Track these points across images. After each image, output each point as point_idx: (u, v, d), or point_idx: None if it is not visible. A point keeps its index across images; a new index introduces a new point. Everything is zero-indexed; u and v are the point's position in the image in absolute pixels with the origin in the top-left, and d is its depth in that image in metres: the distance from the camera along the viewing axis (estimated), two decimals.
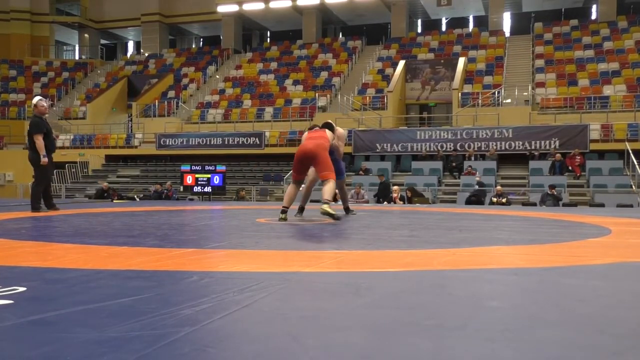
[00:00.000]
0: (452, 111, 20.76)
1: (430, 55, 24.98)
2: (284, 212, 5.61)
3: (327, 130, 6.27)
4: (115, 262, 2.71)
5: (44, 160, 6.93)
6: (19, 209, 7.79)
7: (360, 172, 17.19)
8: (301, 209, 6.48)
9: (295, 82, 25.44)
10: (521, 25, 29.84)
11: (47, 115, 7.37)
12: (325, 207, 5.51)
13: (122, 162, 23.17)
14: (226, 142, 20.91)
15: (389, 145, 18.28)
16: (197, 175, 16.17)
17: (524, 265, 2.76)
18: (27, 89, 29.44)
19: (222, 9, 29.92)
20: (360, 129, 19.22)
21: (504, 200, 13.19)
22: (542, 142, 16.81)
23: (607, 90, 20.16)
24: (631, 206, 12.54)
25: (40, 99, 7.19)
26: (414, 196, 13.43)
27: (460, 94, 20.68)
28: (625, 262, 2.85)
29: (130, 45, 38.65)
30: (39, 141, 6.90)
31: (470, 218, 6.47)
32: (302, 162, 5.90)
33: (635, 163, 14.52)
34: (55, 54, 35.19)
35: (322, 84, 24.70)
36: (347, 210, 6.98)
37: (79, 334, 1.38)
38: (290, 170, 20.50)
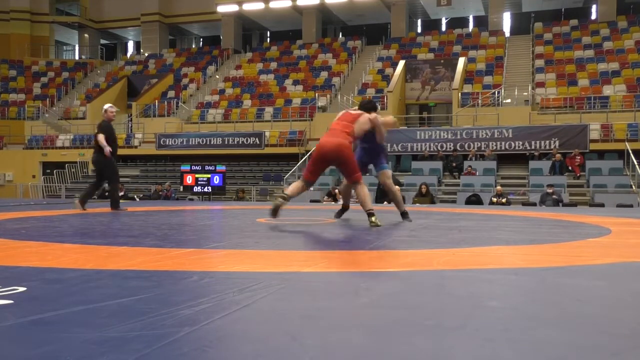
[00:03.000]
0: (452, 111, 20.76)
1: (430, 55, 24.98)
2: (284, 198, 4.95)
3: (363, 114, 5.25)
4: (115, 262, 2.71)
5: (107, 149, 7.23)
6: (19, 209, 7.79)
7: None
8: (344, 209, 5.81)
9: (295, 82, 25.44)
10: (521, 25, 29.85)
11: (113, 121, 7.74)
12: (374, 219, 4.79)
13: (122, 162, 23.16)
14: (226, 142, 20.91)
15: (388, 145, 18.25)
16: (197, 175, 16.16)
17: (524, 265, 2.76)
18: (27, 89, 29.43)
19: (222, 9, 29.93)
20: None
21: (503, 200, 13.19)
22: (542, 142, 16.80)
23: (607, 90, 20.16)
24: (631, 206, 12.53)
25: (111, 106, 7.67)
26: (427, 194, 13.45)
27: (460, 94, 20.68)
28: (625, 262, 2.85)
29: (130, 45, 38.64)
30: (100, 137, 7.24)
31: (470, 218, 6.47)
32: (321, 162, 5.10)
33: (635, 163, 14.51)
34: (55, 54, 35.19)
35: (322, 84, 24.70)
36: (404, 215, 5.57)
37: (79, 334, 1.37)
38: (291, 170, 20.15)
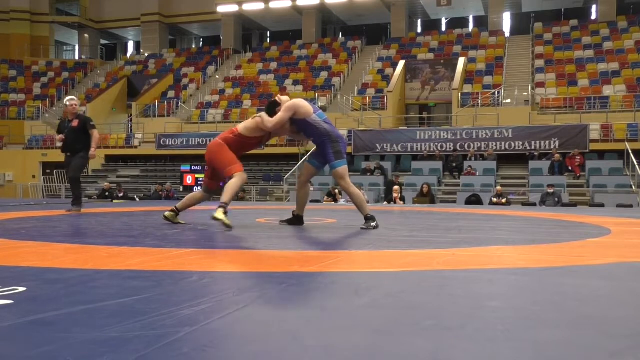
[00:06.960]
0: (452, 111, 20.76)
1: (430, 56, 24.98)
2: (173, 212, 4.98)
3: (256, 119, 4.74)
4: (115, 262, 2.71)
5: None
6: (19, 209, 7.79)
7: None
8: (297, 218, 5.00)
9: (295, 82, 25.44)
10: (521, 25, 29.85)
11: (72, 114, 7.22)
12: (218, 213, 4.29)
13: (122, 162, 23.16)
14: None
15: (388, 145, 18.28)
16: (197, 176, 16.17)
17: (524, 265, 2.76)
18: (27, 89, 29.43)
19: (222, 9, 29.93)
20: (360, 129, 19.23)
21: (503, 200, 13.19)
22: (542, 142, 16.80)
23: (607, 91, 20.16)
24: (631, 206, 12.53)
25: (68, 99, 7.23)
26: (428, 195, 13.46)
27: (460, 94, 20.68)
28: (625, 262, 2.85)
29: (130, 45, 38.64)
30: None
31: (470, 218, 6.47)
32: (209, 165, 4.96)
33: (635, 163, 14.51)
34: (55, 54, 35.17)
35: (322, 84, 24.70)
36: (367, 219, 4.64)
37: (79, 334, 1.37)
38: (290, 170, 20.22)
